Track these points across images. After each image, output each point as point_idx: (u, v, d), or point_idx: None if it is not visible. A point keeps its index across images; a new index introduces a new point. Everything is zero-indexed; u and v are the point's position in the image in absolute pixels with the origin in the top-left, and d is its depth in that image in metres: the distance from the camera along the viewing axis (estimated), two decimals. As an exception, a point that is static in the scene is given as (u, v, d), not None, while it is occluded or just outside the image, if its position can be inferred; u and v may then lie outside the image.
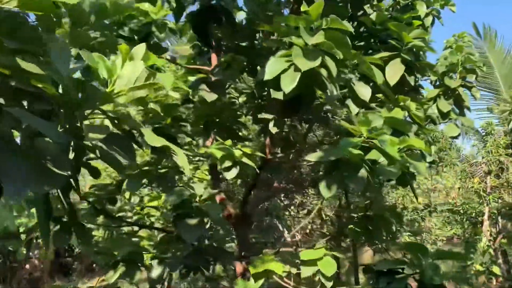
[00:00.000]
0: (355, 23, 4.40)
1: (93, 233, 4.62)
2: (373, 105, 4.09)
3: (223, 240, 4.59)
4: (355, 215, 3.60)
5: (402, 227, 7.56)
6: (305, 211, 6.55)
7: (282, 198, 6.68)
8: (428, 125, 4.63)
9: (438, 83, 4.70)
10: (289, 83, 2.37)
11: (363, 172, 2.54)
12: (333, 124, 3.48)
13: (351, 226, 3.42)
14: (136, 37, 4.16)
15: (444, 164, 10.36)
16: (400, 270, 2.51)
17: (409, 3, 4.62)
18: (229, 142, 3.14)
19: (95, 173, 4.05)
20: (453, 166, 10.71)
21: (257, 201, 4.90)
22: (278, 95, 2.48)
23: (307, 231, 7.54)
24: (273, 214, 8.35)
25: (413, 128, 3.71)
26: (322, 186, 2.62)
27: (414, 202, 9.17)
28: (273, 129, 2.96)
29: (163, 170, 3.60)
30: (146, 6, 4.03)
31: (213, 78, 3.10)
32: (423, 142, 3.00)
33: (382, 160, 2.70)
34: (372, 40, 4.17)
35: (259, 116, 3.22)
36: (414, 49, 3.54)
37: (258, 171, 3.78)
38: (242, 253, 4.10)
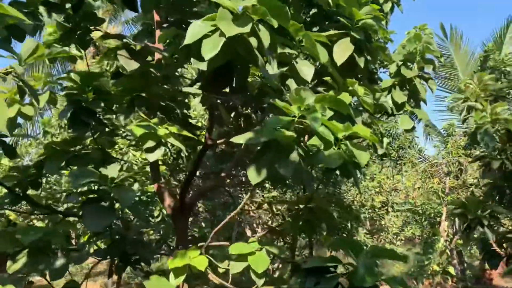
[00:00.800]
0: (314, 9, 4.15)
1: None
2: (320, 89, 3.83)
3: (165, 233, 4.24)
4: (298, 207, 3.32)
5: (358, 225, 7.40)
6: (256, 204, 6.27)
7: (230, 189, 6.37)
8: (382, 118, 4.43)
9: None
10: (210, 49, 2.04)
11: (294, 156, 2.25)
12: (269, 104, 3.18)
13: (289, 219, 3.14)
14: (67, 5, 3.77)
15: (403, 162, 10.28)
16: (331, 269, 2.23)
17: (365, -13, 4.37)
18: (155, 120, 2.79)
19: (11, 153, 3.64)
20: (413, 165, 10.66)
21: (201, 191, 4.57)
22: (201, 66, 2.15)
23: (260, 226, 7.28)
24: (230, 207, 8.04)
25: (362, 116, 3.49)
26: (251, 171, 2.31)
27: (372, 200, 9.04)
28: (198, 105, 2.62)
29: (85, 150, 3.23)
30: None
31: (137, 46, 2.73)
32: (369, 130, 2.74)
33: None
34: (327, 23, 3.90)
35: (183, 89, 2.88)
36: (366, 30, 3.27)
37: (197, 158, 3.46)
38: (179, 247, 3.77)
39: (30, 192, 3.76)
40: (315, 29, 3.84)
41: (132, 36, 4.09)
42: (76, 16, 3.72)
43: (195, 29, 2.12)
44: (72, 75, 2.87)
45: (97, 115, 2.92)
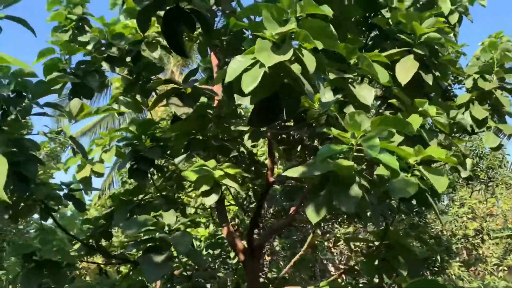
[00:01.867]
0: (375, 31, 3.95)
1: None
2: (387, 113, 3.55)
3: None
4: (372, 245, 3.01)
5: (450, 257, 6.70)
6: (332, 240, 5.90)
7: (301, 226, 6.08)
8: (463, 136, 3.99)
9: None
10: (250, 82, 1.91)
11: (355, 189, 2.02)
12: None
13: (363, 258, 2.83)
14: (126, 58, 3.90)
15: (495, 184, 9.30)
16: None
17: (430, 1, 4.08)
18: (212, 162, 2.70)
19: (80, 207, 3.74)
20: (508, 186, 9.61)
21: (271, 230, 4.38)
22: (245, 101, 2.03)
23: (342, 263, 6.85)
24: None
25: (437, 138, 3.15)
26: (309, 209, 2.11)
27: (465, 227, 8.23)
28: (248, 143, 2.49)
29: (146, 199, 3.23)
30: (133, 23, 3.77)
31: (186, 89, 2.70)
32: (444, 152, 2.44)
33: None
34: (388, 42, 3.65)
35: (235, 128, 2.77)
36: (431, 45, 2.99)
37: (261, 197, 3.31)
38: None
39: (102, 242, 3.83)
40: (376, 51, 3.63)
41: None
42: (137, 68, 3.83)
43: (235, 65, 2.02)
44: (130, 125, 2.91)
45: (156, 162, 2.91)
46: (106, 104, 4.30)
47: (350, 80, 2.61)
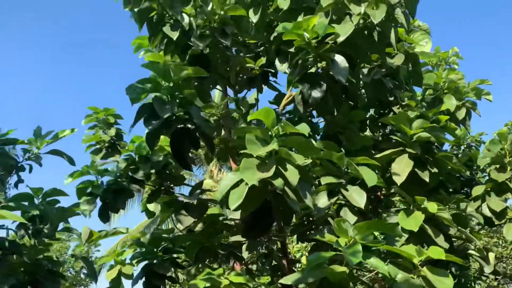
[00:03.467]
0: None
1: None
2: (393, 210, 3.59)
3: None
4: None
5: None
6: None
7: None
8: (484, 229, 3.91)
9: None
10: (235, 199, 2.11)
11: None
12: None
13: None
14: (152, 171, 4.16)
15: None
16: None
17: (437, 98, 4.27)
18: (220, 270, 2.82)
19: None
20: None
21: None
22: (235, 215, 2.21)
23: None
24: None
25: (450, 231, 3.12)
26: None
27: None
28: (245, 254, 2.61)
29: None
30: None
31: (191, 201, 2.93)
32: (442, 252, 2.44)
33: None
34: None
35: (230, 240, 2.91)
36: (424, 142, 3.12)
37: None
38: None
39: None
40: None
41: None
42: (161, 179, 4.10)
43: (226, 182, 2.23)
44: (142, 238, 3.11)
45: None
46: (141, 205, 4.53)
47: (343, 183, 2.73)
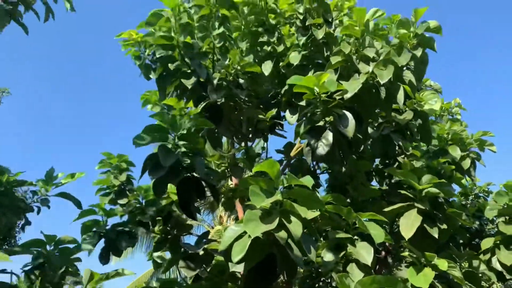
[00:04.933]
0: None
1: None
2: (402, 266, 3.51)
3: None
4: None
5: None
6: None
7: None
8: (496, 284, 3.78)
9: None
10: (238, 252, 2.11)
11: None
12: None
13: None
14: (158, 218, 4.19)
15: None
16: None
17: (442, 149, 4.28)
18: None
19: None
20: None
21: None
22: (238, 268, 2.19)
23: None
24: None
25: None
26: None
27: None
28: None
29: None
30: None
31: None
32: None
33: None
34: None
35: None
36: (433, 198, 3.10)
37: None
38: None
39: None
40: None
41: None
42: (167, 227, 4.11)
43: (229, 233, 2.23)
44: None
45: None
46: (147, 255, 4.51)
47: (351, 238, 2.71)
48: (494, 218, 3.99)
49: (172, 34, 3.24)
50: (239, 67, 3.44)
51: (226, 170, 3.63)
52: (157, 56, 3.26)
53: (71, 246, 3.04)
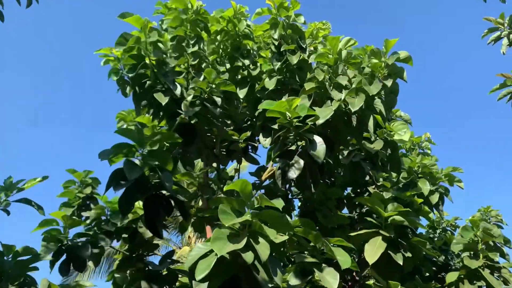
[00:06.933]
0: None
1: None
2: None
3: None
4: None
5: None
6: None
7: None
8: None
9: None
10: (202, 270, 2.08)
11: None
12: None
13: None
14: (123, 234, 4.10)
15: None
16: None
17: (412, 181, 4.38)
18: None
19: None
20: None
21: None
22: (201, 286, 2.16)
23: None
24: None
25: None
26: None
27: None
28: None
29: None
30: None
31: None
32: None
33: None
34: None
35: None
36: (398, 226, 3.15)
37: None
38: None
39: None
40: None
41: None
42: (133, 245, 4.02)
43: (195, 252, 2.20)
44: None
45: None
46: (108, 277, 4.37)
47: (317, 263, 2.71)
48: (460, 253, 4.06)
49: (142, 53, 3.25)
50: (214, 86, 3.45)
51: (197, 190, 3.59)
52: (129, 75, 3.25)
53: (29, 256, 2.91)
